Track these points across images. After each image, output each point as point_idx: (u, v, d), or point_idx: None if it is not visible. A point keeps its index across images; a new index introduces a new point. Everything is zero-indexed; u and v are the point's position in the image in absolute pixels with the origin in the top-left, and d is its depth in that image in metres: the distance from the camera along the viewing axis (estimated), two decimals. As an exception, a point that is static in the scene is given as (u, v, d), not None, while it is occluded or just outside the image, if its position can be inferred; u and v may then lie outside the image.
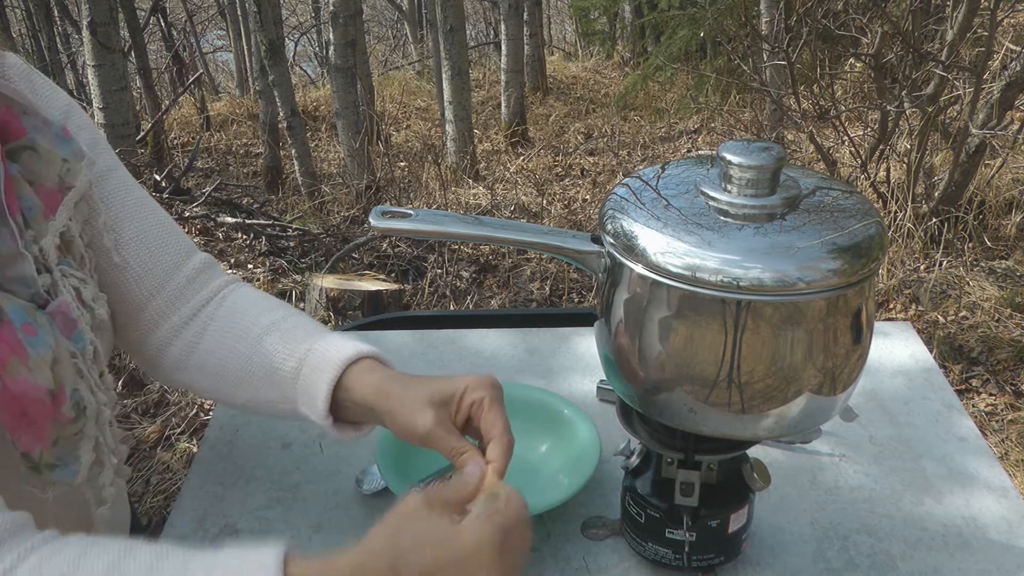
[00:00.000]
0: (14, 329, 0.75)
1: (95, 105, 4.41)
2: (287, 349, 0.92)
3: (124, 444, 0.93)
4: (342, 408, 0.89)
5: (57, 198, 0.85)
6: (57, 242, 0.85)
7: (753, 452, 0.92)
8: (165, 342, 0.97)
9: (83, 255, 0.89)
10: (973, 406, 2.83)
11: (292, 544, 0.69)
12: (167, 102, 6.47)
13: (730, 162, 0.78)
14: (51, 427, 0.79)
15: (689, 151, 5.72)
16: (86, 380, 0.83)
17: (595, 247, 0.85)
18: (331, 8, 4.89)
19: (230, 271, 3.76)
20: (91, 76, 4.35)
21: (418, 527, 0.68)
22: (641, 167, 4.90)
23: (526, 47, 6.79)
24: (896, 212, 3.75)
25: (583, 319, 1.46)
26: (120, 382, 2.81)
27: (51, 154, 0.84)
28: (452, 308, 3.58)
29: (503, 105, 6.32)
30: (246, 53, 8.18)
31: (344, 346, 0.89)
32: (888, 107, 3.74)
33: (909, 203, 3.74)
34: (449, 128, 5.51)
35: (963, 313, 3.31)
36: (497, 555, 0.67)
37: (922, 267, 3.63)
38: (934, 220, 3.72)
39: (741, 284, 0.73)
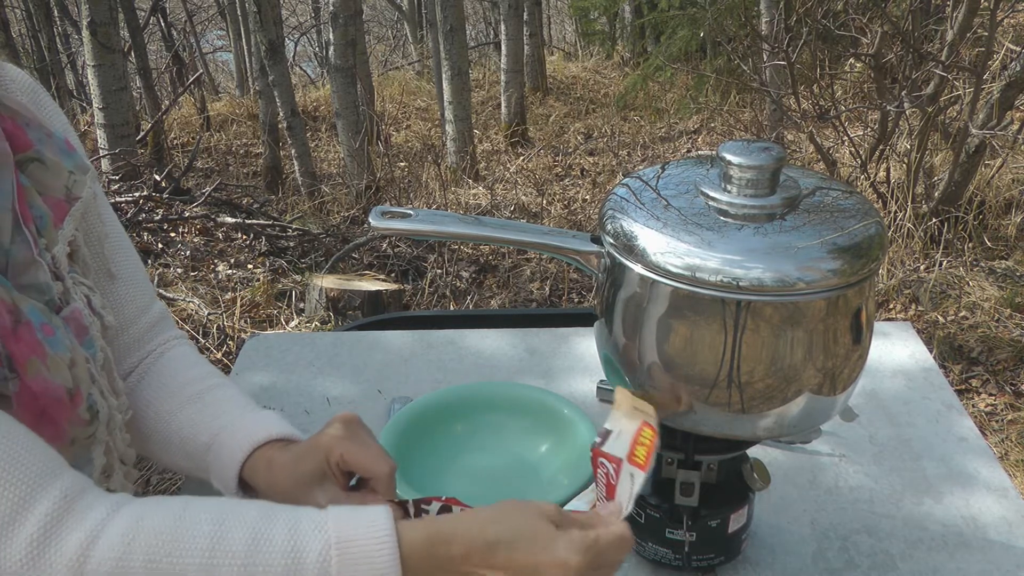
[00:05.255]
0: (33, 329, 0.77)
1: (95, 105, 4.41)
2: (203, 423, 0.93)
3: (131, 448, 0.94)
4: (252, 486, 0.91)
5: (64, 208, 0.86)
6: (67, 250, 0.86)
7: (753, 452, 0.92)
8: (126, 373, 0.99)
9: (87, 263, 0.90)
10: (973, 406, 2.83)
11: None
12: (167, 102, 6.47)
13: (730, 162, 0.78)
14: (68, 427, 0.80)
15: (689, 151, 5.72)
16: (97, 385, 0.85)
17: (595, 247, 0.85)
18: (331, 8, 4.89)
19: (230, 270, 3.77)
20: (91, 76, 4.35)
21: (525, 519, 0.71)
22: (641, 167, 4.90)
23: (526, 47, 6.78)
24: (896, 212, 3.75)
25: (583, 319, 1.46)
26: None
27: (58, 166, 0.85)
28: (452, 308, 3.58)
29: (503, 105, 6.32)
30: (246, 53, 8.17)
31: (253, 430, 0.91)
32: (888, 107, 3.74)
33: (909, 203, 3.74)
34: (449, 128, 5.51)
35: (963, 313, 3.31)
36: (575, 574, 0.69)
37: (922, 267, 3.63)
38: (934, 220, 3.72)
39: (741, 284, 0.73)
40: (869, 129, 4.38)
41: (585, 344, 1.35)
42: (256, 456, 0.90)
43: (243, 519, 0.71)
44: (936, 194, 3.74)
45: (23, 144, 0.82)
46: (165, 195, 4.23)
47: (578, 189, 5.13)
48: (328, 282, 3.42)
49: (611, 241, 0.81)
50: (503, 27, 6.22)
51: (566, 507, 0.81)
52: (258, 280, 3.72)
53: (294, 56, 11.16)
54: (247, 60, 8.16)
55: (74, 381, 0.80)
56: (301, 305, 3.57)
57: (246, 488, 0.92)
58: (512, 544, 0.70)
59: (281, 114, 5.03)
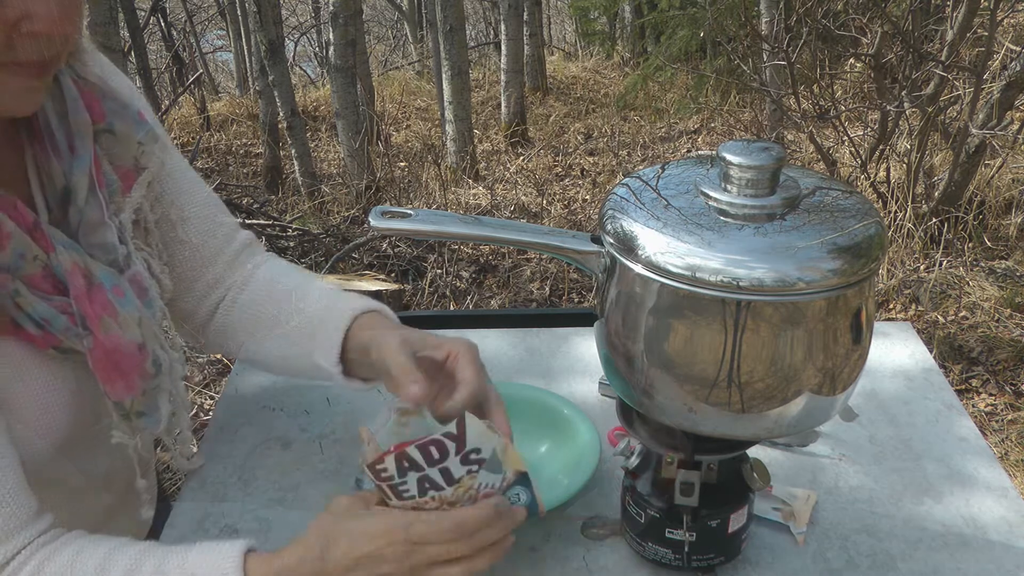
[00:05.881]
0: (104, 291, 0.84)
1: (95, 105, 4.40)
2: (308, 306, 1.03)
3: (188, 400, 1.00)
4: (351, 362, 0.97)
5: (132, 177, 0.92)
6: (133, 218, 0.93)
7: (753, 452, 0.92)
8: (212, 309, 1.07)
9: (149, 230, 0.97)
10: (973, 406, 2.83)
11: (253, 542, 0.80)
12: (167, 102, 6.47)
13: (730, 162, 0.78)
14: (139, 379, 0.88)
15: (689, 151, 5.72)
16: (158, 339, 0.92)
17: (595, 247, 0.85)
18: (331, 8, 4.89)
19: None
20: (91, 76, 4.34)
21: (339, 520, 0.78)
22: (641, 167, 4.90)
23: (526, 47, 6.79)
24: (896, 212, 3.76)
25: (583, 319, 1.46)
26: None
27: (128, 137, 0.90)
28: (452, 308, 3.58)
29: (503, 105, 6.32)
30: (246, 53, 8.17)
31: (356, 301, 1.00)
32: (888, 107, 3.74)
33: (909, 203, 3.74)
34: (449, 128, 5.51)
35: (963, 313, 3.31)
36: (404, 544, 0.75)
37: (922, 267, 3.63)
38: (934, 220, 3.72)
39: (741, 284, 0.73)
40: (869, 129, 4.38)
41: (585, 344, 1.35)
42: (359, 321, 0.98)
43: (121, 562, 0.77)
44: (936, 194, 3.74)
45: (98, 115, 0.88)
46: (165, 195, 4.22)
47: (578, 189, 5.13)
48: (328, 282, 3.41)
49: (611, 241, 0.81)
50: (503, 27, 6.22)
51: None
52: (258, 280, 3.71)
53: (294, 56, 11.15)
54: (247, 60, 8.16)
55: (143, 337, 0.88)
56: (301, 305, 3.56)
57: (346, 364, 0.97)
58: (341, 551, 0.76)
59: (281, 114, 5.03)
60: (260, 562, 0.78)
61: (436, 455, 0.77)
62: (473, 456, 0.78)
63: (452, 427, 0.77)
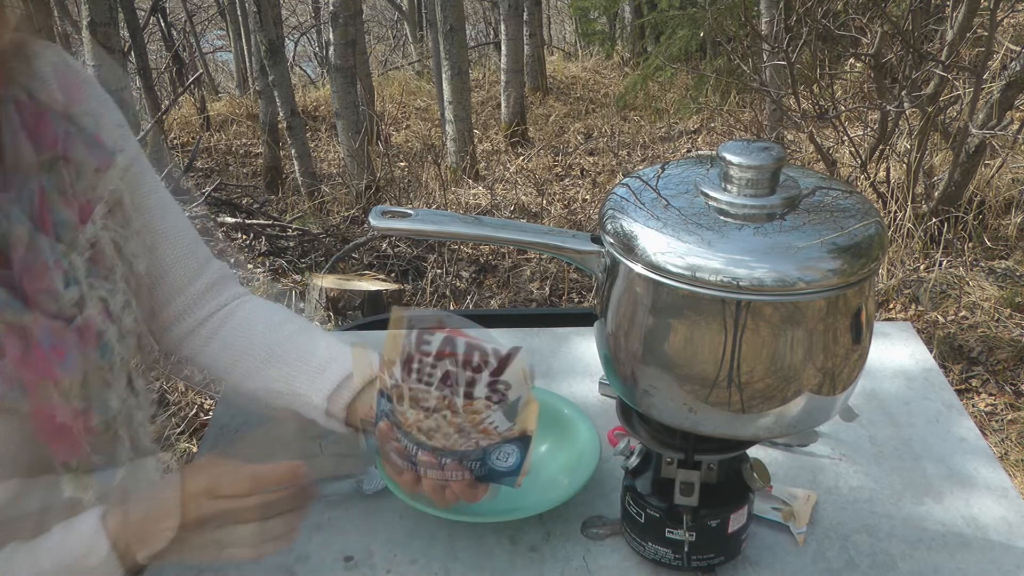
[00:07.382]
0: (44, 353, 0.79)
1: (95, 105, 4.40)
2: (321, 344, 0.99)
3: (156, 444, 0.96)
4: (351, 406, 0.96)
5: (89, 208, 0.85)
6: (89, 252, 0.85)
7: (753, 452, 0.92)
8: (181, 337, 1.03)
9: (113, 264, 0.89)
10: (973, 406, 2.83)
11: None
12: (167, 102, 6.46)
13: (730, 162, 0.78)
14: (84, 439, 0.84)
15: (689, 151, 5.72)
16: (113, 388, 0.86)
17: (595, 247, 0.85)
18: (331, 8, 4.88)
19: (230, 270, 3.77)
20: (91, 76, 4.33)
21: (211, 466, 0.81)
22: (641, 167, 4.89)
23: (526, 47, 6.78)
24: (896, 212, 3.75)
25: (583, 319, 1.46)
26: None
27: (84, 165, 0.84)
28: (452, 308, 3.58)
29: (503, 105, 6.31)
30: (246, 53, 8.17)
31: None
32: (888, 107, 3.74)
33: (909, 203, 3.74)
34: (449, 128, 5.50)
35: (963, 313, 3.31)
36: (204, 496, 0.77)
37: (922, 267, 3.63)
38: (934, 220, 3.72)
39: (741, 284, 0.73)
40: (869, 129, 4.38)
41: (585, 344, 1.35)
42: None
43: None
44: (936, 194, 3.74)
45: (50, 142, 0.82)
46: (165, 195, 4.22)
47: (578, 189, 5.13)
48: (328, 282, 3.41)
49: (611, 241, 0.81)
50: (503, 27, 6.21)
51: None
52: (258, 280, 3.72)
53: (294, 56, 11.15)
54: (247, 60, 8.16)
55: (86, 399, 0.82)
56: (301, 305, 3.57)
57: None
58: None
59: (281, 114, 5.03)
60: (116, 513, 0.79)
61: (474, 362, 0.81)
62: (500, 387, 0.81)
63: (502, 351, 0.81)
